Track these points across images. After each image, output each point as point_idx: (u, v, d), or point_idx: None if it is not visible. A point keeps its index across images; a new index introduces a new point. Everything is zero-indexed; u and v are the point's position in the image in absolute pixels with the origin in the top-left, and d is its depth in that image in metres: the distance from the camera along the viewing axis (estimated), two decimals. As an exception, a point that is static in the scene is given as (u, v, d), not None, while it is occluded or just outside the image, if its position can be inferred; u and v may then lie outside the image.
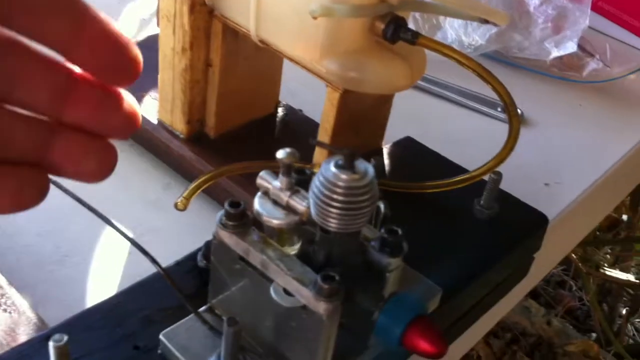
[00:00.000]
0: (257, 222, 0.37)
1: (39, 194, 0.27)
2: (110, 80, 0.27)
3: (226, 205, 0.36)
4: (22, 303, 0.45)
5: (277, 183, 0.36)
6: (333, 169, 0.32)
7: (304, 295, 0.34)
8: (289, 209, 0.36)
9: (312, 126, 0.59)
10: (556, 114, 0.77)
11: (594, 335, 1.71)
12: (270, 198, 0.37)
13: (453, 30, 0.79)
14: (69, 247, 0.53)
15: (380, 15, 0.47)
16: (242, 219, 0.36)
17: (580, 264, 1.47)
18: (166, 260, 0.47)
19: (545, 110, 0.77)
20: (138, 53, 0.27)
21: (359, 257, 0.36)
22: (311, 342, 0.35)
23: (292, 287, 0.34)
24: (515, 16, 0.79)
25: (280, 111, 0.64)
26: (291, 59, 0.50)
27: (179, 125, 0.59)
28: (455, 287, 0.46)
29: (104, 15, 0.26)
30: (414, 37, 0.46)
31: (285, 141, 0.61)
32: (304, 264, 0.35)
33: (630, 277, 1.61)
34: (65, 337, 0.35)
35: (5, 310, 0.44)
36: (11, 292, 0.45)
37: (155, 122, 0.60)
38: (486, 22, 0.46)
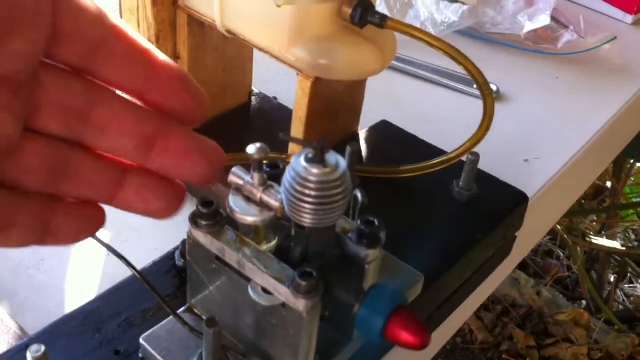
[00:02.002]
0: (232, 219, 0.37)
1: (96, 230, 0.30)
2: (181, 120, 0.29)
3: (198, 204, 0.35)
4: (1, 312, 0.44)
5: (249, 179, 0.35)
6: (303, 163, 0.32)
7: (282, 293, 0.33)
8: (262, 204, 0.35)
9: (286, 114, 0.58)
10: (533, 88, 0.77)
11: (583, 302, 1.72)
12: (243, 194, 0.36)
13: (425, 8, 0.78)
14: (45, 250, 0.52)
15: (346, 0, 0.46)
16: (215, 218, 0.35)
17: (565, 235, 1.48)
18: (146, 258, 0.46)
19: (522, 84, 0.77)
20: (203, 93, 0.30)
21: (337, 250, 0.36)
22: (292, 339, 0.34)
23: (269, 285, 0.34)
24: (487, -10, 0.78)
25: (254, 100, 0.63)
26: (259, 48, 0.49)
27: (151, 120, 0.58)
28: (437, 271, 0.46)
29: (170, 60, 0.28)
30: (382, 20, 0.46)
31: (260, 131, 0.61)
32: (281, 261, 0.34)
33: (616, 244, 1.62)
34: (43, 347, 0.34)
35: (-18, 321, 0.43)
36: (-13, 301, 0.44)
37: (126, 118, 0.59)
38: (455, 1, 0.46)
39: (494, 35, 0.80)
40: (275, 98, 0.66)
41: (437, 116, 0.70)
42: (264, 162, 0.36)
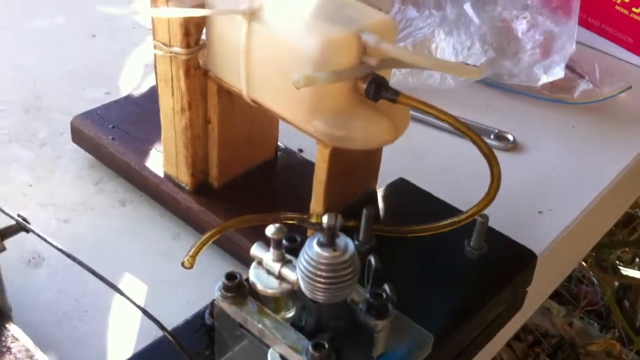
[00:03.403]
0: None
1: None
2: None
3: (224, 278, 0.39)
4: (46, 363, 0.49)
5: (269, 255, 0.39)
6: (316, 247, 0.36)
7: (298, 361, 0.37)
8: (281, 278, 0.39)
9: (310, 169, 0.61)
10: (549, 137, 0.80)
11: (617, 332, 1.72)
12: (264, 268, 0.40)
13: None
14: (88, 302, 0.57)
15: (362, 76, 0.50)
16: (239, 290, 0.39)
17: (594, 268, 1.48)
18: (179, 313, 0.50)
19: (538, 134, 0.80)
20: None
21: (349, 318, 0.40)
22: (307, 402, 0.38)
23: (287, 354, 0.38)
24: (504, 43, 0.81)
25: (280, 155, 0.67)
26: (282, 119, 0.53)
27: (184, 177, 0.62)
28: (447, 330, 0.49)
29: None
30: (395, 95, 0.49)
31: (285, 186, 0.65)
32: (298, 331, 0.38)
33: (647, 275, 1.62)
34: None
35: (31, 373, 0.48)
36: (38, 354, 0.49)
37: (161, 174, 0.64)
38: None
39: (512, 85, 0.83)
40: (301, 151, 0.70)
41: (457, 169, 0.73)
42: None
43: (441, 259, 0.55)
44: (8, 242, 0.56)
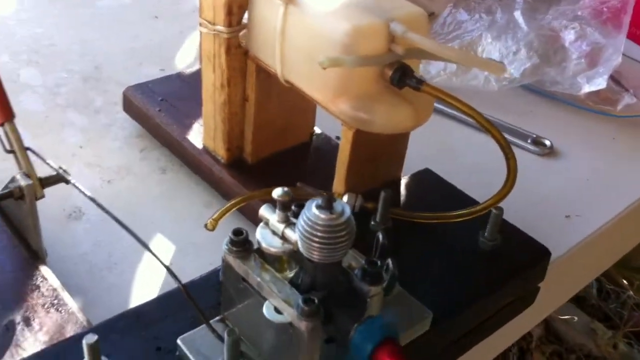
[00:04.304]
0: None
1: None
2: None
3: (231, 233, 0.42)
4: (73, 305, 0.53)
5: (275, 216, 0.42)
6: (314, 209, 0.38)
7: (290, 314, 0.40)
8: (284, 239, 0.42)
9: (341, 155, 0.65)
10: (587, 146, 0.80)
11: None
12: (270, 229, 0.43)
13: (490, 64, 0.83)
14: (119, 256, 0.61)
15: (389, 63, 0.52)
16: (244, 245, 0.42)
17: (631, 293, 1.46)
18: (200, 272, 0.53)
19: (577, 142, 0.80)
20: None
21: (343, 283, 0.42)
22: (297, 355, 0.41)
23: (280, 306, 0.40)
24: (550, 51, 0.82)
25: (315, 140, 0.70)
26: (311, 99, 0.56)
27: (220, 151, 0.66)
28: (449, 311, 0.51)
29: None
30: (419, 84, 0.52)
31: (315, 168, 0.68)
32: (293, 287, 0.41)
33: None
34: (96, 337, 0.42)
35: (57, 310, 0.52)
36: (64, 294, 0.53)
37: (200, 147, 0.68)
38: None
39: (555, 92, 0.84)
40: (338, 138, 0.72)
41: (486, 167, 0.74)
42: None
43: (454, 247, 0.57)
44: (52, 196, 0.61)
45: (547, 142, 0.79)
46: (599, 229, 0.69)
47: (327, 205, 0.38)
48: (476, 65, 0.50)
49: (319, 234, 0.38)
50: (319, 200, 0.38)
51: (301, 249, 0.40)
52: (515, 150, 0.78)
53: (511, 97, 0.85)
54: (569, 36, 0.82)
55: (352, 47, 0.51)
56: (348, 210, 0.39)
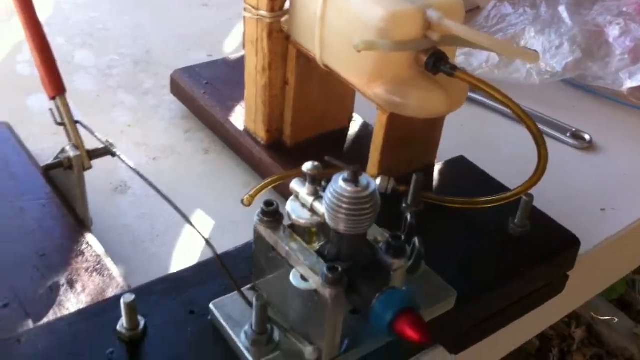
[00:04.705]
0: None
1: None
2: None
3: (262, 204, 0.44)
4: (114, 270, 0.56)
5: (304, 189, 0.44)
6: (341, 182, 0.40)
7: (315, 281, 0.42)
8: (313, 211, 0.44)
9: (378, 141, 0.66)
10: (628, 142, 0.80)
11: None
12: (300, 201, 0.45)
13: (532, 57, 0.83)
14: (161, 229, 0.64)
15: (424, 49, 0.54)
16: (274, 216, 0.44)
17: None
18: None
19: (617, 137, 0.80)
20: None
21: (368, 255, 0.44)
22: (322, 320, 0.43)
23: (306, 274, 0.42)
24: (594, 46, 0.82)
25: (353, 125, 0.72)
26: (348, 83, 0.58)
27: (261, 132, 0.68)
28: (474, 292, 0.52)
29: None
30: (452, 70, 0.53)
31: (353, 153, 0.70)
32: (319, 257, 0.43)
33: None
34: (133, 296, 0.45)
35: (100, 274, 0.55)
36: (107, 261, 0.56)
37: (242, 129, 0.70)
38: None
39: (598, 87, 0.84)
40: (375, 125, 0.74)
41: (521, 158, 0.75)
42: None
43: (484, 232, 0.58)
44: (100, 170, 0.64)
45: (587, 136, 0.79)
46: (635, 222, 0.69)
47: (353, 179, 0.40)
48: (510, 52, 0.51)
49: (344, 205, 0.40)
50: (345, 174, 0.40)
51: (328, 221, 0.42)
52: (554, 143, 0.80)
53: (553, 91, 0.85)
54: (613, 32, 0.82)
55: (387, 32, 0.52)
56: (373, 184, 0.40)
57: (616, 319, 1.56)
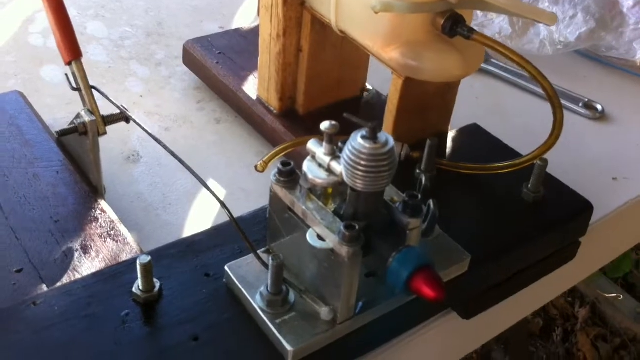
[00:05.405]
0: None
1: None
2: None
3: (279, 164, 0.44)
4: (128, 236, 0.56)
5: (321, 149, 0.44)
6: (359, 139, 0.40)
7: (331, 240, 0.42)
8: (330, 171, 0.44)
9: (390, 109, 0.66)
10: (640, 112, 0.79)
11: None
12: (317, 162, 0.44)
13: (545, 28, 0.82)
14: (174, 197, 0.64)
15: (441, 12, 0.53)
16: (291, 176, 0.44)
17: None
18: (248, 213, 0.56)
19: (629, 108, 0.79)
20: None
21: (384, 215, 0.44)
22: (338, 280, 0.43)
23: (323, 233, 0.42)
24: (608, 17, 0.81)
25: (366, 95, 0.72)
26: (363, 47, 0.58)
27: (273, 101, 0.68)
28: (487, 256, 0.52)
29: None
30: (469, 33, 0.52)
31: (363, 119, 0.69)
32: (336, 217, 0.43)
33: None
34: (149, 258, 0.45)
35: (114, 240, 0.55)
36: (121, 227, 0.56)
37: (254, 98, 0.70)
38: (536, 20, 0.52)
39: (611, 59, 0.83)
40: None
41: (535, 128, 0.74)
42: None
43: (497, 197, 0.58)
44: (112, 140, 0.64)
45: (599, 107, 0.78)
46: (648, 191, 0.68)
47: (372, 135, 0.40)
48: (527, 13, 0.51)
49: (363, 162, 0.40)
50: (364, 131, 0.40)
51: (345, 179, 0.41)
52: (566, 113, 0.79)
53: (565, 62, 0.85)
54: (627, 2, 0.81)
55: (404, -5, 0.52)
56: (392, 141, 0.40)
57: (621, 297, 1.56)
